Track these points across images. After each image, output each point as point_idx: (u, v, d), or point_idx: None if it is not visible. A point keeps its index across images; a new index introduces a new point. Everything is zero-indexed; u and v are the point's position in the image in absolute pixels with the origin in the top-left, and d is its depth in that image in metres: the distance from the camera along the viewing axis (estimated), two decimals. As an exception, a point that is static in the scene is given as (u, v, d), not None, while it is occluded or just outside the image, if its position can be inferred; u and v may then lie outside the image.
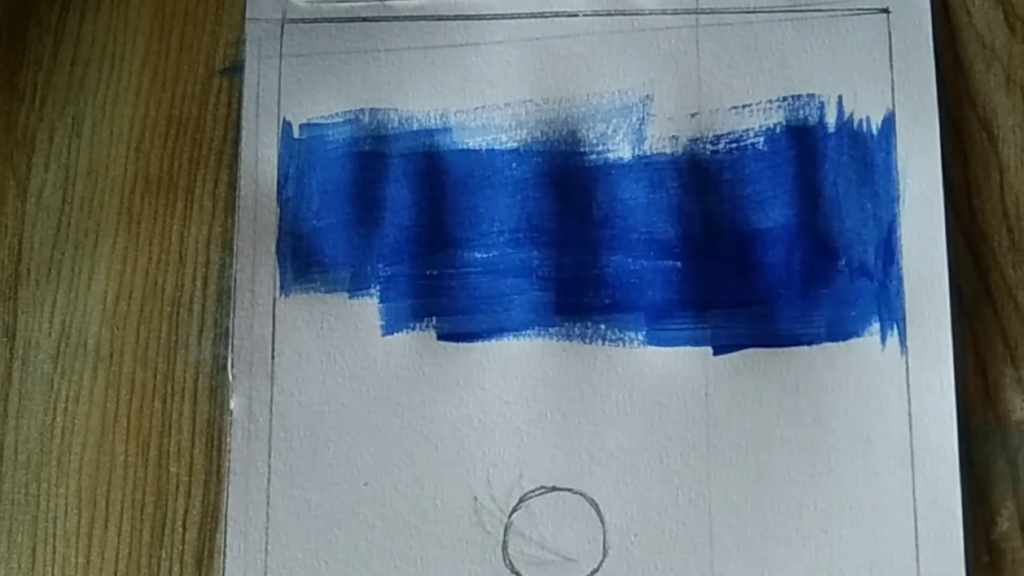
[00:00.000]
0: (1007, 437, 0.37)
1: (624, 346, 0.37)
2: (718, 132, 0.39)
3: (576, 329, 0.38)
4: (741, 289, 0.38)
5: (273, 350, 0.38)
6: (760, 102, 0.39)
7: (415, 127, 0.39)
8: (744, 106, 0.39)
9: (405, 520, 0.36)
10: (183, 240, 0.39)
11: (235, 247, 0.38)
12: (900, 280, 0.37)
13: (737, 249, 0.38)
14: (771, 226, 0.38)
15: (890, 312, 0.37)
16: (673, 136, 0.39)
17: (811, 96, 0.39)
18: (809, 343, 0.37)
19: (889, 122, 0.38)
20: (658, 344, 0.37)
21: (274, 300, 0.38)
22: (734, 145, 0.39)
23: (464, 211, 0.39)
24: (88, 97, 0.40)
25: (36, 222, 0.39)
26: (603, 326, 0.38)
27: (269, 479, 0.37)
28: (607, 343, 0.37)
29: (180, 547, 0.37)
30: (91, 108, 0.40)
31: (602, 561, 0.36)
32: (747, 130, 0.39)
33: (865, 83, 0.39)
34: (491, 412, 0.37)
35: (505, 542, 0.36)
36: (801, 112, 0.39)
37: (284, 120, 0.39)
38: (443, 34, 0.40)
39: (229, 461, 0.37)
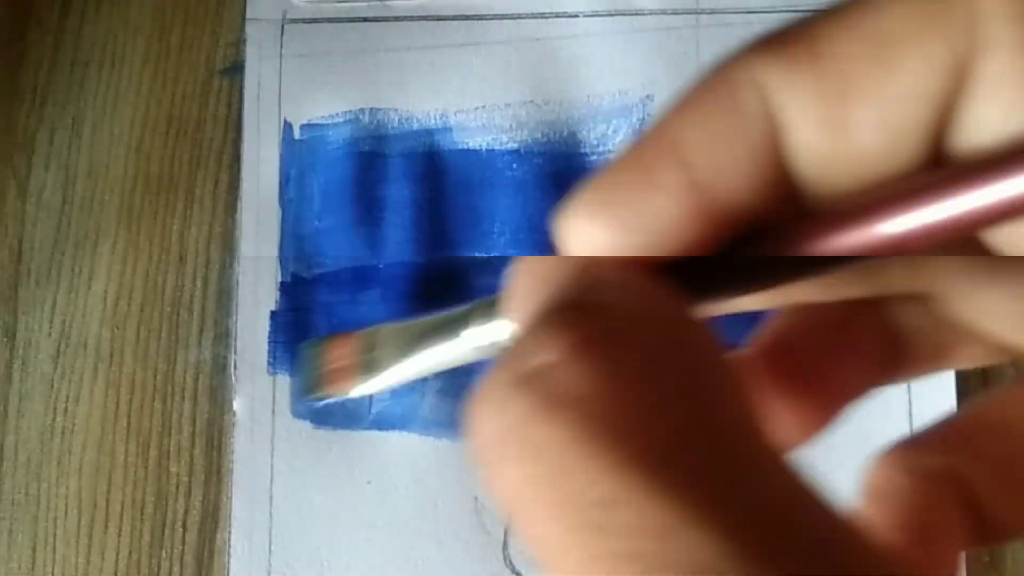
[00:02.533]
0: (1006, 437, 0.37)
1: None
2: (718, 132, 0.39)
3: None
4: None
5: (275, 351, 0.38)
6: (760, 102, 0.39)
7: (415, 127, 0.39)
8: (744, 106, 0.39)
9: (406, 520, 0.36)
10: (183, 240, 0.39)
11: (237, 249, 0.38)
12: (900, 280, 0.37)
13: (737, 249, 0.38)
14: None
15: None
16: (673, 136, 0.39)
17: (811, 96, 0.39)
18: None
19: (889, 122, 0.38)
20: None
21: (276, 301, 0.38)
22: (734, 145, 0.39)
23: (464, 211, 0.39)
24: (88, 97, 0.40)
25: (36, 222, 0.39)
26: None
27: (272, 479, 0.37)
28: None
29: (180, 547, 0.37)
30: (91, 108, 0.40)
31: (603, 561, 0.36)
32: (747, 130, 0.39)
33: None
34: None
35: (506, 542, 0.36)
36: (801, 112, 0.39)
37: (285, 121, 0.39)
38: (443, 34, 0.40)
39: (232, 462, 0.37)
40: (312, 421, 0.37)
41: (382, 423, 0.37)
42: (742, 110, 0.14)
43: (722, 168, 0.14)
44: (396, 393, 0.37)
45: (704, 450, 0.12)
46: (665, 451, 0.12)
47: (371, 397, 0.37)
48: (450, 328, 0.28)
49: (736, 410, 0.13)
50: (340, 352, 0.35)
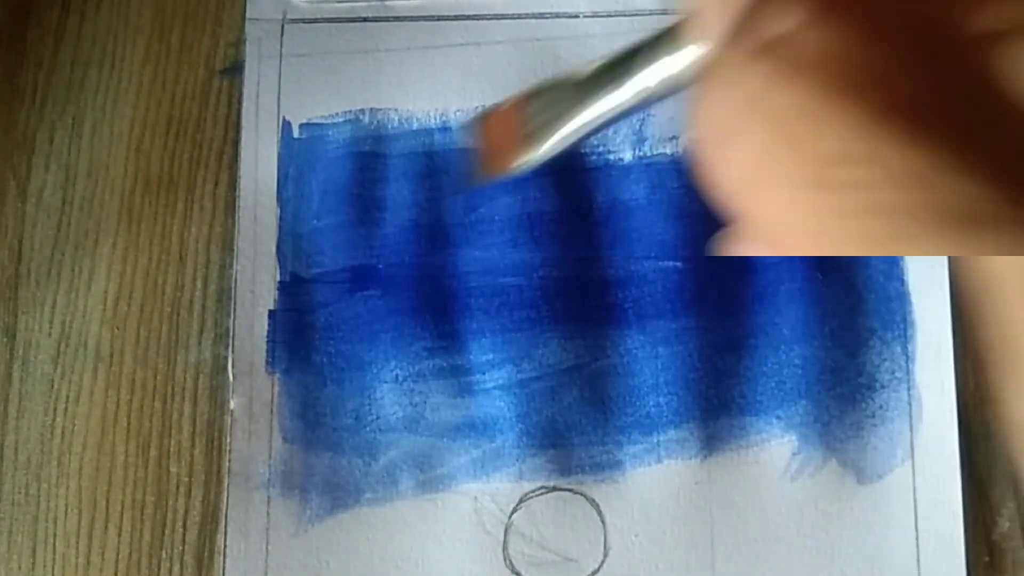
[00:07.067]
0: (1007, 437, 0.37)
1: (624, 345, 0.37)
2: (718, 132, 0.39)
3: (578, 328, 0.37)
4: (742, 289, 0.38)
5: (274, 351, 0.37)
6: (760, 102, 0.39)
7: (415, 127, 0.39)
8: (744, 106, 0.39)
9: (405, 520, 0.36)
10: (183, 240, 0.39)
11: (235, 247, 0.38)
12: (901, 280, 0.37)
13: (737, 249, 0.38)
14: (771, 226, 0.38)
15: (891, 312, 0.37)
16: (673, 136, 0.39)
17: (811, 96, 0.39)
18: (810, 341, 0.37)
19: (889, 122, 0.38)
20: (658, 344, 0.37)
21: (274, 301, 0.38)
22: (734, 145, 0.38)
23: (464, 211, 0.39)
24: (88, 97, 0.40)
25: (36, 222, 0.39)
26: (602, 326, 0.38)
27: (269, 479, 0.37)
28: (606, 342, 0.37)
29: (180, 547, 0.37)
30: (91, 108, 0.40)
31: (603, 561, 0.36)
32: (747, 130, 0.38)
33: (865, 83, 0.39)
34: (491, 409, 0.37)
35: (505, 542, 0.36)
36: (801, 112, 0.39)
37: (284, 120, 0.39)
38: (443, 34, 0.40)
39: (229, 461, 0.37)
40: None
41: (383, 426, 0.37)
42: None
43: None
44: (396, 394, 0.37)
45: (954, 104, 0.12)
46: (917, 104, 0.11)
47: (369, 400, 0.37)
48: (623, 70, 0.26)
49: (971, 65, 0.12)
50: (499, 128, 0.34)
